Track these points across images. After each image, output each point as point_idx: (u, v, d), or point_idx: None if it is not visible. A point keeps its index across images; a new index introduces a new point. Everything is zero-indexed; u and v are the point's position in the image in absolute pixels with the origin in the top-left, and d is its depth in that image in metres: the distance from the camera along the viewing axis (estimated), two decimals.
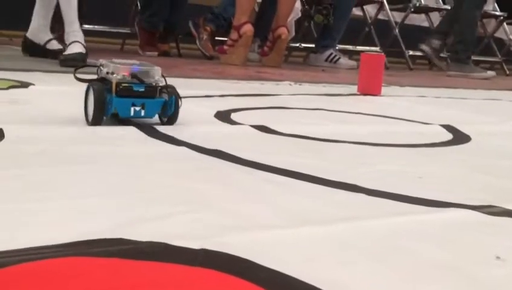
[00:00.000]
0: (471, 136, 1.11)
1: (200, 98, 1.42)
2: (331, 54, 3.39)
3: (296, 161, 0.78)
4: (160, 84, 0.94)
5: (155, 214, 0.52)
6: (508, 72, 4.33)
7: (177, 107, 0.94)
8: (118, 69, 0.91)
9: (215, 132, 0.97)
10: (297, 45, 3.76)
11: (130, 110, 0.91)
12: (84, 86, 0.93)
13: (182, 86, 1.66)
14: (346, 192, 0.64)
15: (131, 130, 0.89)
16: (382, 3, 3.89)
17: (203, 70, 2.37)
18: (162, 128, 0.91)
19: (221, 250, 0.43)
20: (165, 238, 0.45)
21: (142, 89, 0.92)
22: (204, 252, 0.43)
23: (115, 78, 0.90)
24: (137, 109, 0.92)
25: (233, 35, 2.73)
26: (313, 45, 3.57)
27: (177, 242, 0.44)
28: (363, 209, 0.58)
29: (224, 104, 1.30)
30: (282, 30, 2.79)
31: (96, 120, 0.90)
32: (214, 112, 1.17)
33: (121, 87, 0.90)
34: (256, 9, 3.44)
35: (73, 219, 0.49)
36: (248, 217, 0.53)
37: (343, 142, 0.96)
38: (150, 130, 0.89)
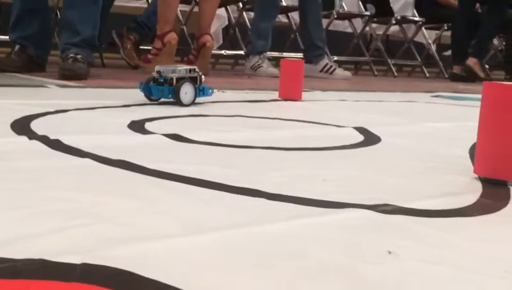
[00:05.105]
0: (382, 138, 1.14)
1: (116, 108, 1.39)
2: (326, 64, 3.37)
3: (204, 168, 0.77)
4: (174, 78, 1.49)
5: (44, 230, 0.49)
6: (428, 75, 4.51)
7: (174, 93, 1.48)
8: (155, 69, 1.52)
9: (125, 142, 0.95)
10: (223, 52, 3.77)
11: (157, 93, 1.51)
12: None
13: (100, 96, 1.63)
14: (247, 197, 0.64)
15: (34, 143, 0.86)
16: None
17: (127, 80, 2.33)
18: (67, 140, 0.88)
19: (104, 264, 0.42)
20: (47, 254, 0.43)
21: (162, 80, 1.50)
22: (84, 266, 0.41)
23: (153, 74, 1.51)
24: (160, 92, 1.50)
25: (157, 44, 2.70)
26: (240, 52, 3.58)
27: (58, 258, 0.42)
28: (260, 214, 0.58)
29: (140, 114, 1.28)
30: (207, 38, 2.78)
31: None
32: (128, 122, 1.15)
33: (153, 78, 1.51)
34: None
35: None
36: (143, 228, 0.52)
37: (255, 147, 0.96)
38: (53, 143, 0.86)
